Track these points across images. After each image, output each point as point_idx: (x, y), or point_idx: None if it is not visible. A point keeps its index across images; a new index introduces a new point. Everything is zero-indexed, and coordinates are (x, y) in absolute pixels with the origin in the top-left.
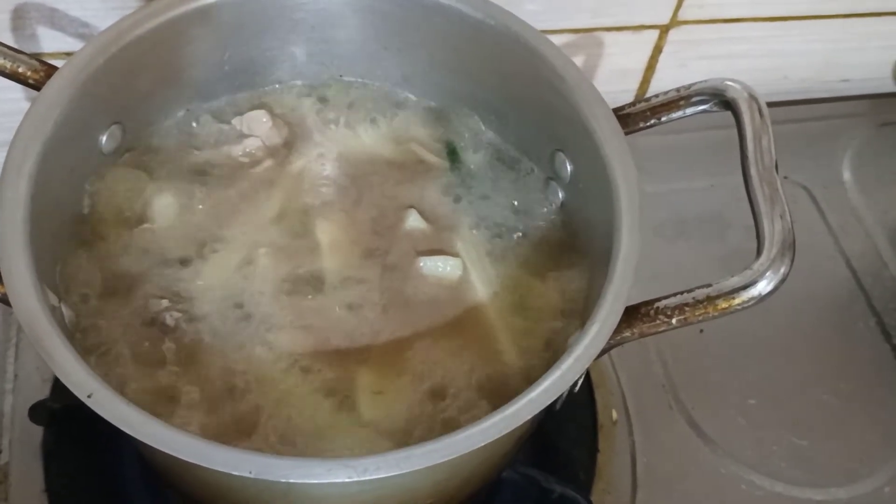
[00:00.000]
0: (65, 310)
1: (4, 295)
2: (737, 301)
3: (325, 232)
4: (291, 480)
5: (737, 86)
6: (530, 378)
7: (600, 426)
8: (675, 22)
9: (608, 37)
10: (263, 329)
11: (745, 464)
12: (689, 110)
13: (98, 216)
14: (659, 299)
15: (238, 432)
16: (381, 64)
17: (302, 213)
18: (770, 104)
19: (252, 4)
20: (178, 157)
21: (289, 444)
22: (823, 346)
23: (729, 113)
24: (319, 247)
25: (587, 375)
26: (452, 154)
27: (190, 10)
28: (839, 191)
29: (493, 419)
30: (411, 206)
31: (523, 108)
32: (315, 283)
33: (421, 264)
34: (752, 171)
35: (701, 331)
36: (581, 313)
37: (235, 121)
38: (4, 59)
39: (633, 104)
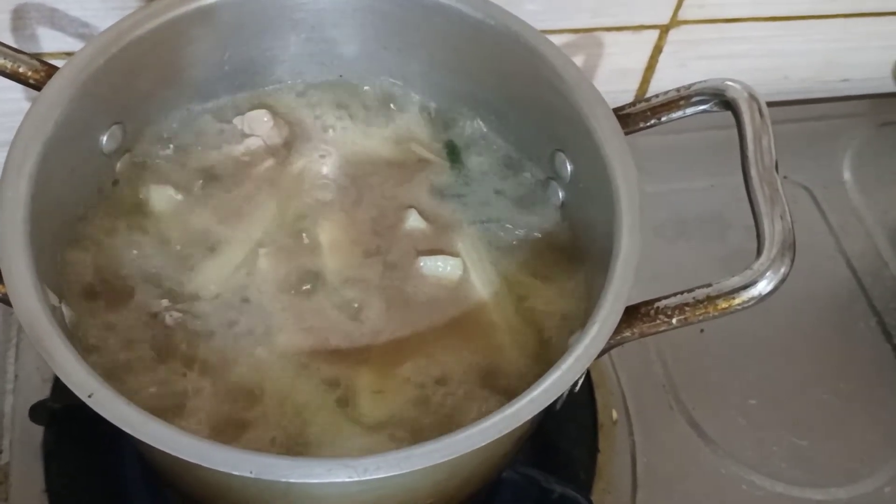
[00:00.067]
0: (65, 310)
1: (5, 295)
2: (737, 301)
3: (326, 232)
4: (291, 480)
5: (737, 86)
6: (530, 378)
7: (600, 426)
8: (675, 22)
9: (608, 37)
10: (264, 328)
11: (745, 464)
12: (690, 110)
13: (99, 216)
14: (659, 299)
15: (238, 432)
16: (382, 64)
17: (302, 213)
18: (770, 104)
19: (252, 4)
20: (179, 157)
21: (289, 444)
22: (824, 346)
23: (729, 113)
24: (320, 247)
25: (587, 375)
26: (452, 154)
27: (190, 10)
28: (839, 191)
29: (494, 419)
30: (411, 206)
31: (523, 107)
32: (315, 282)
33: (421, 264)
34: (753, 171)
35: (701, 331)
36: (581, 313)
37: (236, 120)
38: (5, 59)
39: (633, 104)
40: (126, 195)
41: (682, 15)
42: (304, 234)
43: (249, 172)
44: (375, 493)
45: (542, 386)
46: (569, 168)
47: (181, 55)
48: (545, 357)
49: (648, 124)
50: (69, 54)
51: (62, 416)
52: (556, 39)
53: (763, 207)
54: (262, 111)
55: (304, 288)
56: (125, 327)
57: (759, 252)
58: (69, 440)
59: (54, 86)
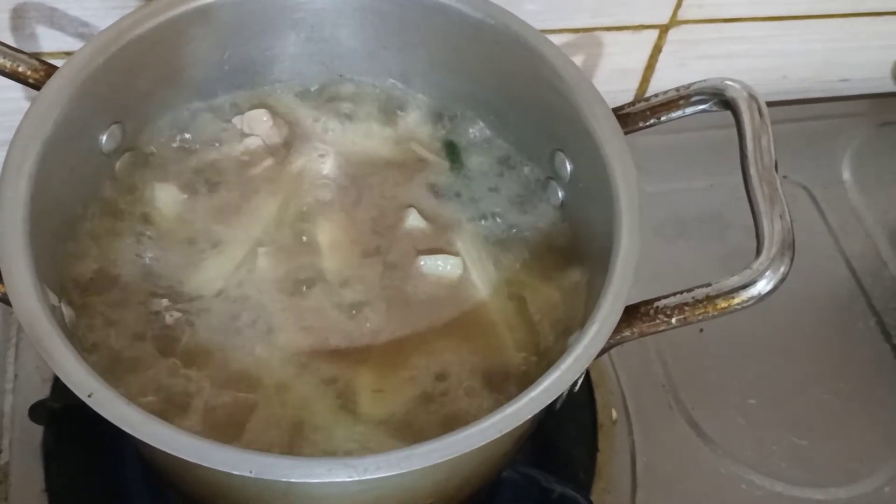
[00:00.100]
0: (65, 309)
1: (4, 294)
2: (736, 300)
3: (326, 231)
4: (292, 480)
5: (736, 85)
6: (530, 377)
7: (600, 426)
8: (674, 22)
9: (608, 36)
10: (264, 328)
11: (744, 463)
12: (689, 110)
13: (98, 215)
14: (658, 299)
15: (238, 431)
16: (381, 63)
17: (302, 213)
18: (770, 104)
19: (252, 4)
20: (178, 157)
21: (289, 443)
22: (823, 346)
23: (729, 112)
24: (320, 246)
25: (587, 375)
26: (452, 153)
27: (190, 9)
28: (839, 190)
29: (493, 419)
30: (411, 206)
31: (523, 107)
32: (315, 282)
33: (421, 263)
34: (752, 171)
35: (701, 330)
36: (581, 312)
37: (236, 120)
38: (4, 58)
39: (632, 104)
40: (125, 194)
41: (681, 15)
42: (303, 234)
43: (249, 172)
44: (375, 493)
45: (541, 385)
46: (568, 168)
47: (181, 54)
48: (545, 356)
49: (648, 124)
50: (69, 54)
51: (62, 415)
52: (556, 39)
53: (762, 207)
54: (262, 111)
55: (304, 287)
56: (125, 327)
57: (758, 252)
58: (69, 440)
59: (54, 85)
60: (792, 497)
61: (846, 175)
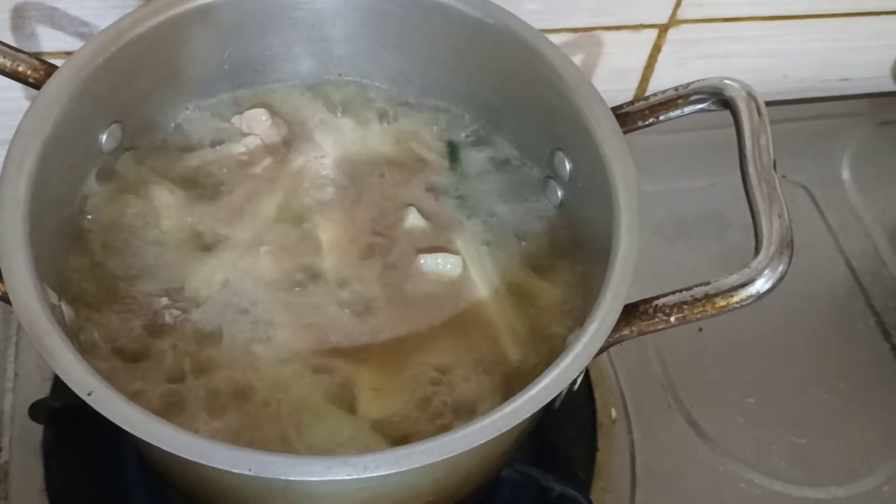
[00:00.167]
0: (64, 308)
1: (4, 293)
2: (735, 299)
3: (325, 230)
4: (291, 478)
5: (735, 84)
6: (529, 376)
7: (599, 425)
8: (673, 21)
9: (607, 36)
10: (263, 327)
11: (744, 462)
12: (688, 109)
13: (98, 214)
14: (657, 297)
15: (237, 430)
16: (381, 63)
17: (302, 212)
18: (769, 103)
19: (251, 3)
20: (178, 156)
21: (288, 442)
22: (822, 345)
23: (728, 112)
24: (319, 245)
25: (586, 374)
26: (452, 152)
27: (190, 8)
28: (838, 190)
29: (492, 417)
30: (411, 205)
31: (522, 107)
32: (315, 281)
33: (421, 262)
34: (751, 170)
35: (700, 330)
36: (580, 311)
37: (235, 119)
38: (4, 57)
39: (631, 103)
40: (125, 194)
41: (680, 14)
42: (303, 233)
43: (248, 171)
44: (375, 491)
45: (541, 384)
46: (568, 167)
47: (180, 54)
48: (544, 355)
49: (647, 123)
50: (69, 53)
51: (62, 414)
52: (556, 39)
53: (761, 206)
54: (261, 110)
55: (304, 286)
56: (124, 325)
57: (756, 250)
58: (69, 439)
59: (54, 84)
60: (791, 496)
61: (846, 174)
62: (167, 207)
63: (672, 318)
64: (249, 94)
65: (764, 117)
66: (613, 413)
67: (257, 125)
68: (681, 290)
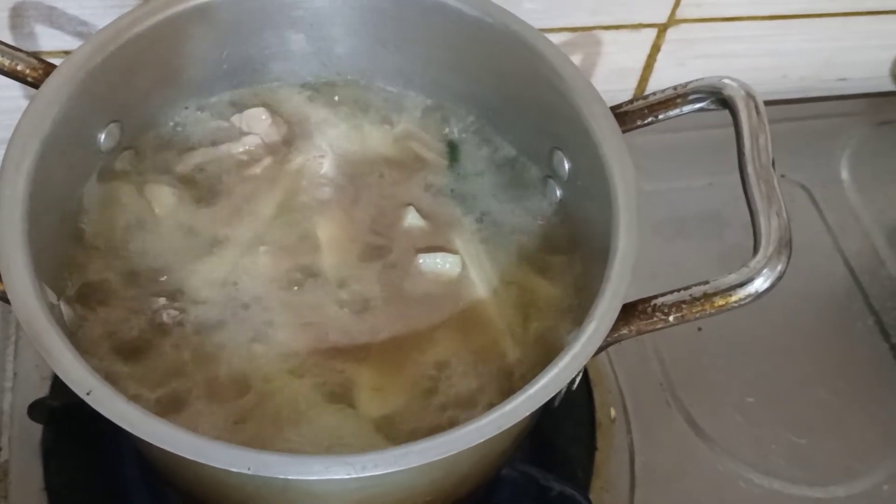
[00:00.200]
0: (63, 307)
1: (3, 293)
2: (734, 298)
3: (325, 230)
4: (290, 477)
5: (734, 84)
6: (528, 375)
7: (598, 424)
8: (673, 21)
9: (606, 35)
10: (263, 327)
11: (743, 462)
12: (687, 108)
13: (97, 214)
14: (656, 296)
15: (236, 429)
16: (380, 62)
17: (301, 211)
18: (768, 103)
19: (250, 2)
20: (177, 155)
21: (288, 441)
22: (822, 345)
23: (727, 111)
24: (319, 244)
25: (585, 373)
26: (451, 152)
27: (188, 7)
28: (837, 189)
29: (491, 416)
30: (410, 204)
31: (522, 106)
32: (314, 280)
33: (420, 261)
34: (749, 169)
35: (699, 329)
36: (579, 310)
37: (234, 118)
38: (3, 57)
39: (630, 102)
40: (124, 193)
41: (680, 14)
42: (303, 233)
43: (247, 171)
44: (373, 491)
45: (539, 383)
46: (567, 166)
47: (179, 53)
48: (543, 354)
49: (646, 122)
50: (67, 52)
51: (61, 413)
52: (555, 38)
53: (759, 205)
54: (260, 109)
55: (304, 286)
56: (123, 325)
57: (755, 249)
58: (68, 438)
59: (52, 84)
60: (790, 495)
61: (844, 174)
62: (166, 207)
63: (671, 318)
64: (249, 93)
65: (763, 117)
66: (612, 412)
67: (257, 124)
68: (679, 290)
